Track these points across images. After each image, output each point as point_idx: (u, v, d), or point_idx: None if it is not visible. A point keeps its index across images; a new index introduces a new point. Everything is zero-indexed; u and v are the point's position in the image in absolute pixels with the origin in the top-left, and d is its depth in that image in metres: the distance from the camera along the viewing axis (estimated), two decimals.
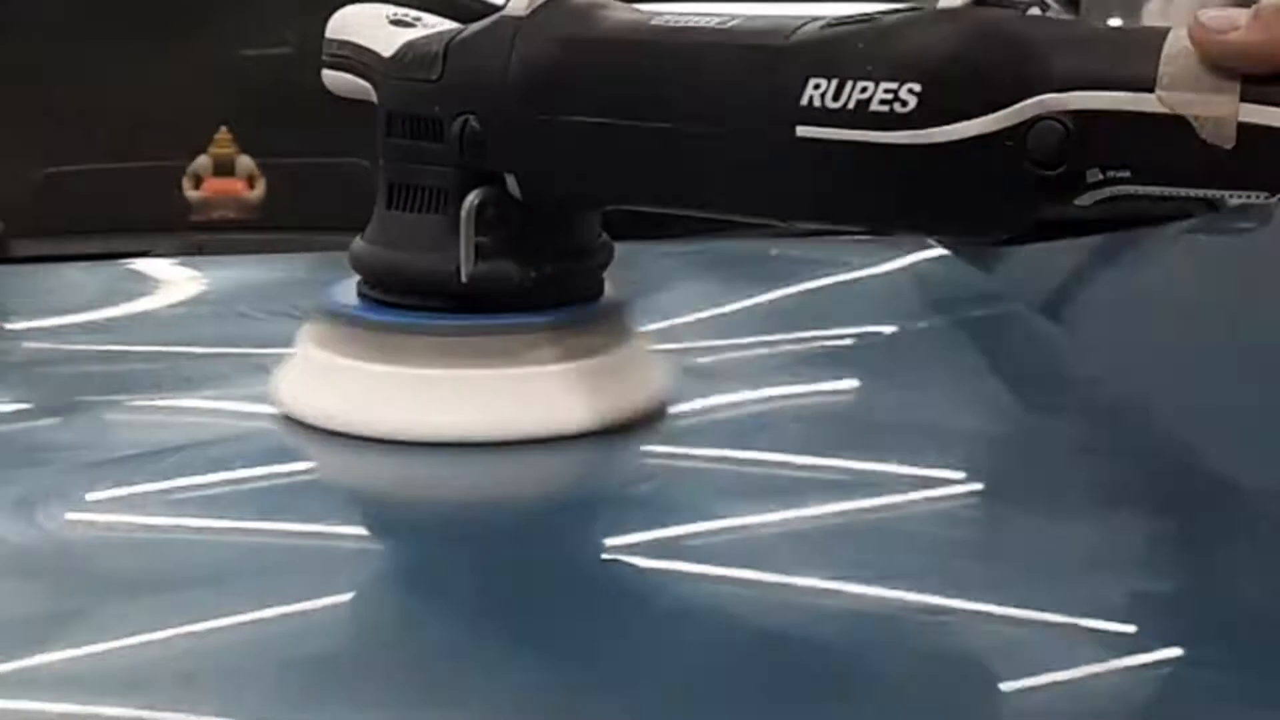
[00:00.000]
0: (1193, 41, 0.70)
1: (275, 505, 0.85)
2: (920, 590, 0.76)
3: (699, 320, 1.12)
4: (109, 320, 1.16)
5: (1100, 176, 0.73)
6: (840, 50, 0.77)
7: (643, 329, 1.01)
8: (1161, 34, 0.71)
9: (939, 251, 1.22)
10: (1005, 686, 0.70)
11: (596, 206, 0.90)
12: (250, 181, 1.34)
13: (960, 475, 0.91)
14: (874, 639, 0.73)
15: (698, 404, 0.97)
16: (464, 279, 0.86)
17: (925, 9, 0.76)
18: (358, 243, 0.90)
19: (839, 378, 1.05)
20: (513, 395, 0.87)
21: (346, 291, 0.91)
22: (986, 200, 0.76)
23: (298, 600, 0.75)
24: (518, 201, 0.86)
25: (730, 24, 0.81)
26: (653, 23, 0.84)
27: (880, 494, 0.87)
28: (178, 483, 0.87)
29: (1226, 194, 0.73)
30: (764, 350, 1.09)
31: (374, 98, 0.90)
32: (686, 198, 0.86)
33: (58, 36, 1.47)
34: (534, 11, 0.85)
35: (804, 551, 0.80)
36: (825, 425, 0.98)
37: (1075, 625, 0.74)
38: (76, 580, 0.78)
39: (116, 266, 1.24)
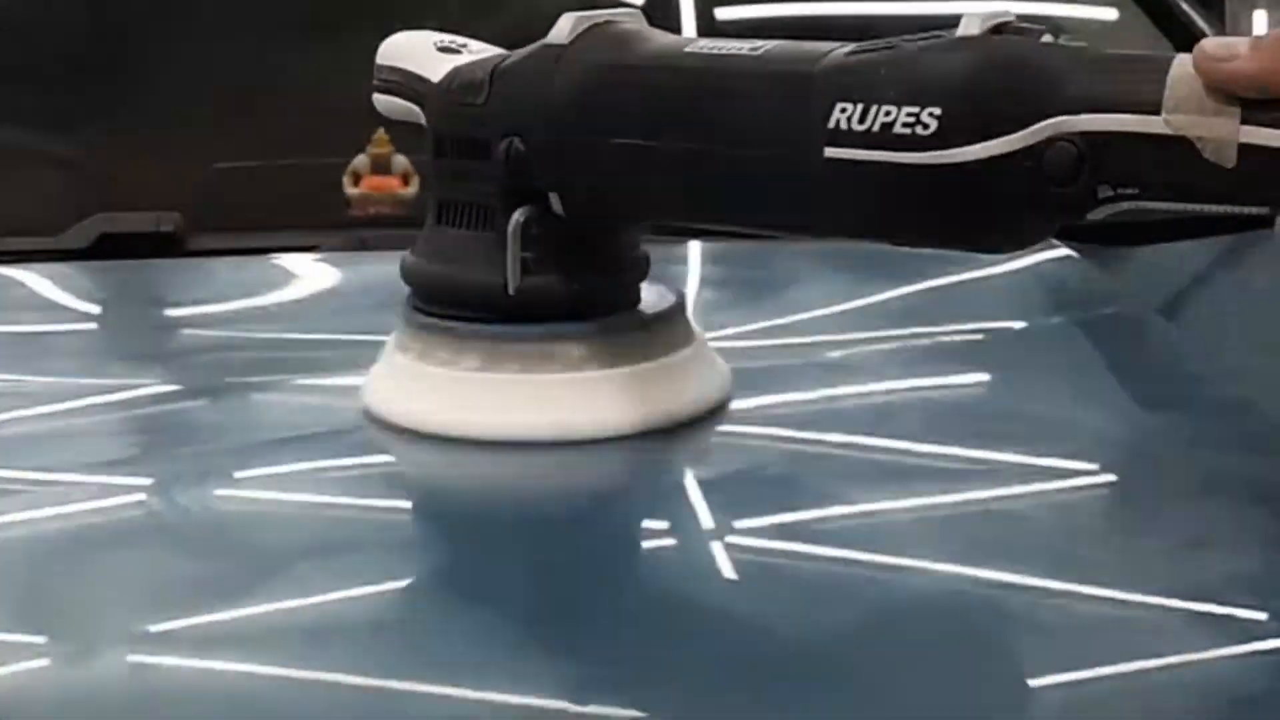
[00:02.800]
0: (1196, 68, 0.72)
1: (383, 489, 0.91)
2: (1031, 572, 0.79)
3: (829, 315, 1.15)
4: (273, 309, 1.22)
5: (1111, 193, 0.75)
6: (865, 76, 0.79)
7: (765, 324, 1.05)
8: (1167, 60, 0.74)
9: (1063, 251, 1.24)
10: (1118, 666, 0.73)
11: (635, 222, 0.93)
12: (405, 179, 1.38)
13: (1075, 465, 0.93)
14: (986, 617, 0.77)
15: (823, 393, 1.01)
16: (511, 291, 0.89)
17: (945, 36, 0.78)
18: (408, 257, 0.94)
19: (962, 371, 1.07)
20: (581, 396, 0.90)
21: None
22: (1004, 216, 0.78)
23: (418, 571, 0.82)
24: (561, 218, 0.89)
25: (762, 50, 0.84)
26: (688, 49, 0.86)
27: (997, 481, 0.90)
28: (318, 464, 0.92)
29: (1228, 209, 0.75)
30: (891, 345, 1.11)
31: (423, 121, 0.93)
32: (720, 214, 0.89)
33: (228, 38, 1.52)
34: (575, 39, 0.88)
35: (919, 533, 0.84)
36: (947, 416, 1.00)
37: (1184, 608, 0.77)
38: (227, 549, 0.83)
39: (283, 259, 1.29)
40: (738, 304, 1.20)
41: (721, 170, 0.84)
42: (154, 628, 0.75)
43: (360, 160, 1.39)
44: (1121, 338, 1.15)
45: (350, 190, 1.39)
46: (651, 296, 0.95)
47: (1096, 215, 0.77)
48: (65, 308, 1.23)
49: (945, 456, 0.93)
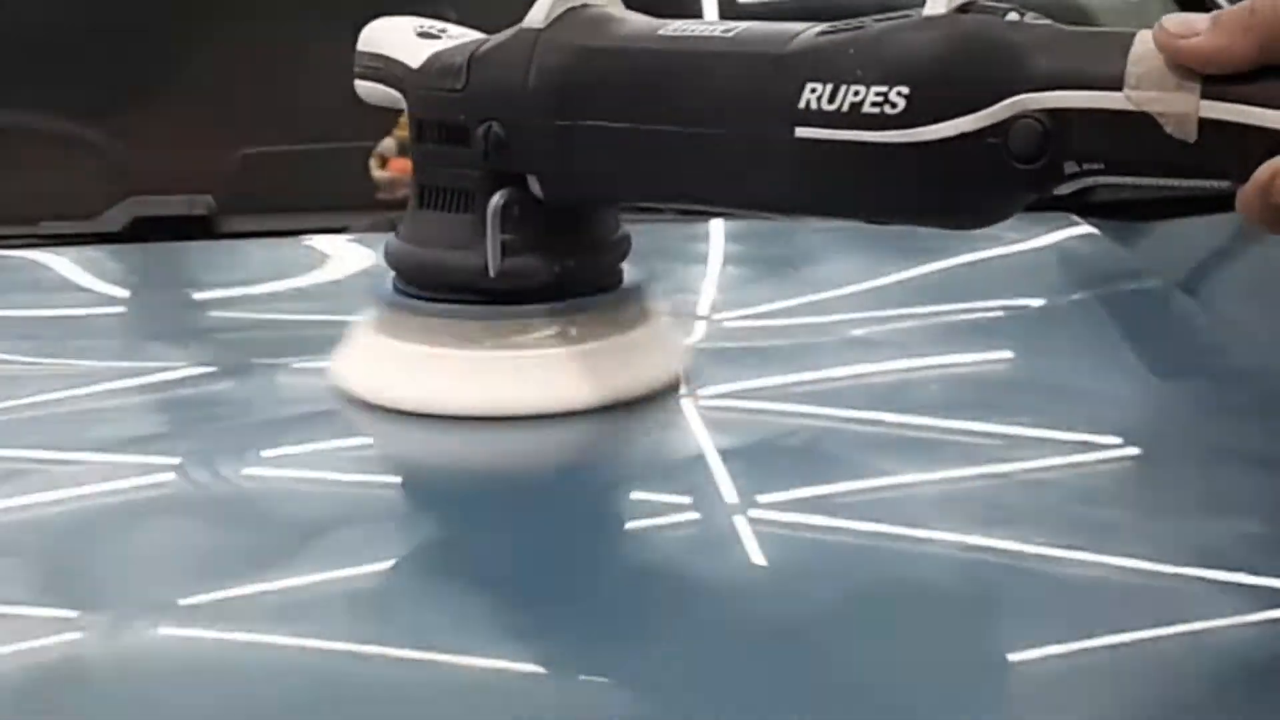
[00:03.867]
0: (1157, 45, 0.74)
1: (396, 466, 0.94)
2: (1051, 540, 0.81)
3: (853, 293, 1.17)
4: (303, 290, 1.23)
5: (1076, 169, 0.77)
6: (834, 56, 0.81)
7: (788, 302, 1.06)
8: (1129, 37, 0.75)
9: (1084, 229, 1.25)
10: (1141, 633, 0.74)
11: (613, 203, 0.95)
12: None
13: (1095, 435, 0.94)
14: (1005, 584, 0.78)
15: (849, 370, 1.03)
16: (492, 274, 0.90)
17: (912, 16, 0.80)
18: (392, 240, 0.96)
19: (985, 348, 1.09)
20: (533, 373, 0.92)
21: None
22: (972, 193, 0.80)
23: (421, 544, 0.84)
24: (540, 200, 0.91)
25: (733, 32, 0.85)
26: (662, 32, 0.88)
27: (1018, 453, 0.92)
28: (337, 443, 0.95)
29: (1190, 183, 0.77)
30: (914, 322, 1.13)
31: (404, 106, 0.95)
32: (695, 194, 0.90)
33: (256, 25, 1.54)
34: (551, 23, 0.90)
35: (938, 503, 0.85)
36: (968, 390, 1.02)
37: (1204, 575, 0.78)
38: (251, 523, 0.86)
39: (314, 241, 1.30)
40: (760, 281, 1.21)
41: (696, 151, 0.85)
42: (183, 599, 0.77)
43: (387, 144, 1.40)
44: (1143, 313, 1.16)
45: (377, 173, 1.40)
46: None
47: (1063, 191, 0.78)
48: (102, 290, 1.26)
49: (966, 430, 0.94)
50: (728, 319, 1.15)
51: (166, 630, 0.75)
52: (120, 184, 1.39)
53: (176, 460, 0.91)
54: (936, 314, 1.15)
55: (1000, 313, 1.17)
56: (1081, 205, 1.27)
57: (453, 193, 0.92)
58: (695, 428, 0.94)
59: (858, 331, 1.10)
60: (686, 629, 0.74)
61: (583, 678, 0.71)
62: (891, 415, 0.96)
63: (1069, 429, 0.94)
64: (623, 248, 0.95)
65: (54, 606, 0.77)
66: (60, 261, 1.27)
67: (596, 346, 0.93)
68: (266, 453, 0.94)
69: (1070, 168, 0.77)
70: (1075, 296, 1.22)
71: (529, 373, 0.92)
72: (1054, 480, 0.89)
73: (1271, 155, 0.71)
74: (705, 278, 1.22)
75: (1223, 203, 1.25)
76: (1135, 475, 0.92)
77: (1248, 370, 1.05)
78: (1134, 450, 0.94)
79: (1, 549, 0.83)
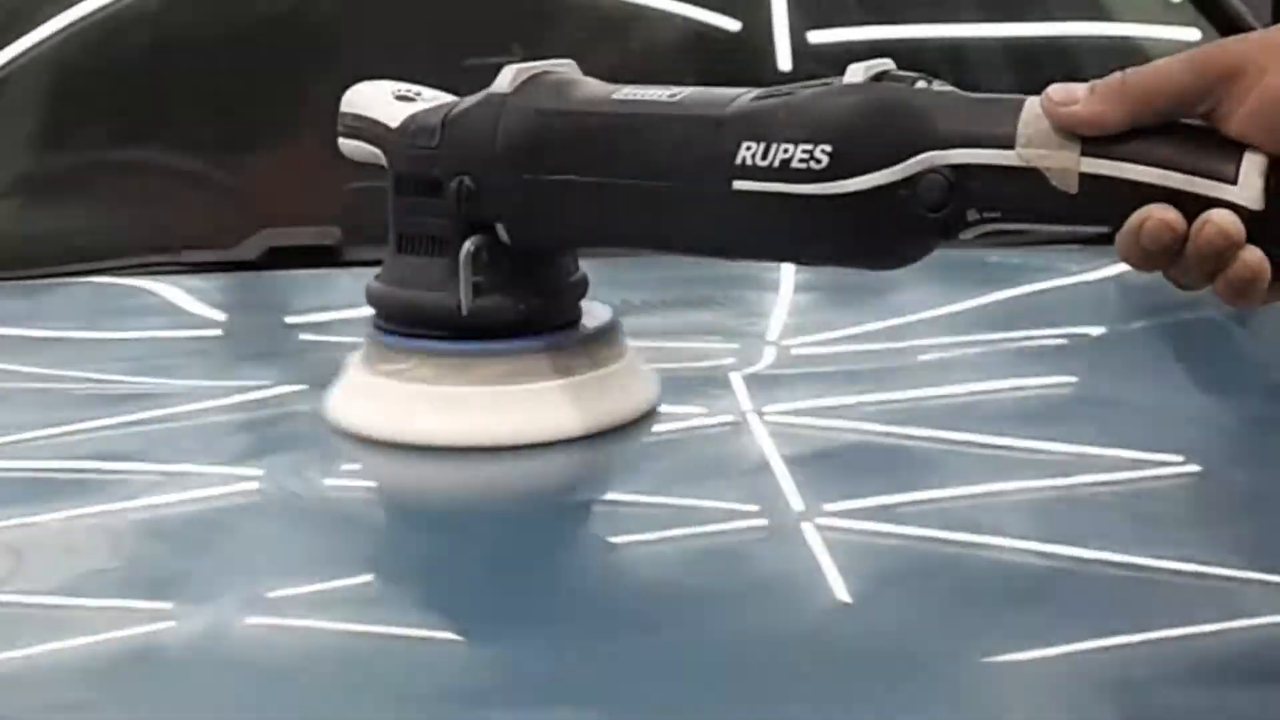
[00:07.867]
0: (1043, 110, 0.82)
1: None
2: (1113, 545, 0.87)
3: (924, 320, 1.22)
4: None
5: (977, 216, 0.86)
6: (767, 118, 0.90)
7: (857, 330, 1.13)
8: (1020, 102, 0.84)
9: None
10: (1196, 628, 0.81)
11: (573, 248, 1.03)
12: None
13: (1154, 450, 1.01)
14: (1068, 587, 0.85)
15: (916, 393, 1.09)
16: (464, 312, 0.99)
17: (834, 83, 0.89)
18: (373, 283, 1.04)
19: (1049, 371, 1.15)
20: (529, 406, 1.00)
21: None
22: (887, 238, 0.89)
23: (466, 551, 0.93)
24: (507, 246, 0.99)
25: (679, 96, 0.94)
26: (615, 96, 0.97)
27: (1082, 465, 0.99)
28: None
29: (1076, 229, 0.89)
30: (983, 348, 1.20)
31: (384, 162, 1.03)
32: (645, 240, 1.01)
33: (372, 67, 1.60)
34: (517, 88, 0.98)
35: (1003, 514, 0.93)
36: (1033, 408, 1.08)
37: (1259, 577, 0.85)
38: (337, 525, 0.96)
39: None
40: (832, 310, 1.28)
41: (645, 201, 0.94)
42: (271, 593, 0.87)
43: None
44: (1198, 339, 1.21)
45: None
46: (591, 313, 1.04)
47: (967, 236, 0.87)
48: (237, 313, 1.34)
49: (1033, 448, 1.01)
50: (799, 343, 1.22)
51: (256, 620, 0.85)
52: (249, 217, 1.45)
53: (262, 471, 1.01)
54: (1002, 341, 1.21)
55: (1064, 340, 1.22)
56: None
57: (428, 239, 1.01)
58: (761, 440, 1.02)
59: (926, 356, 1.16)
60: (731, 632, 0.82)
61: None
62: (959, 434, 1.02)
63: (1130, 445, 1.01)
64: (581, 287, 1.03)
65: (158, 599, 0.87)
66: (176, 292, 1.36)
67: (584, 379, 1.01)
68: (346, 466, 1.04)
69: (972, 216, 0.86)
70: (1135, 324, 1.28)
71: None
72: (1116, 490, 0.96)
73: (1142, 205, 0.80)
74: (778, 305, 1.29)
75: None
76: (1192, 485, 0.99)
77: None
78: (1192, 465, 1.01)
79: (116, 549, 0.94)
